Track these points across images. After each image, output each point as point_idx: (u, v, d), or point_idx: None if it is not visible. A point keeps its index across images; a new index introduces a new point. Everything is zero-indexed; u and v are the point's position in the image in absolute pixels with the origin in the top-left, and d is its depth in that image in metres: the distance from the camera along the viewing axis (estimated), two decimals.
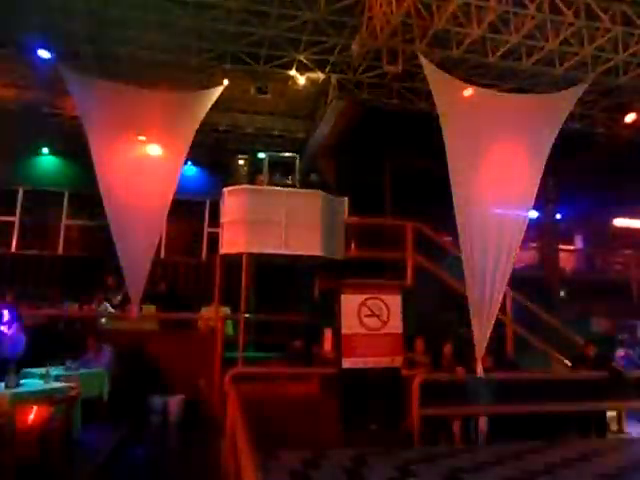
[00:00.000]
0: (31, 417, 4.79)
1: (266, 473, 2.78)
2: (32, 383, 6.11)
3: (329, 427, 6.67)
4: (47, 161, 12.69)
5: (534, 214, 13.07)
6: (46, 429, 4.85)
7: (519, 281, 8.82)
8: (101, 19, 8.30)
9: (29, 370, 6.60)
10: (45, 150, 12.50)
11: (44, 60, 8.55)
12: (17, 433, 4.22)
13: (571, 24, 7.88)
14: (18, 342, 7.54)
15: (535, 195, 7.85)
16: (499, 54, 8.36)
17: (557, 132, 7.90)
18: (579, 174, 12.49)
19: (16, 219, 12.26)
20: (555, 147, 7.91)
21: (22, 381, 5.90)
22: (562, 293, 13.03)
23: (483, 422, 7.31)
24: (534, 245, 14.09)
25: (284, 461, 5.94)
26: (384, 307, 8.36)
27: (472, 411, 7.22)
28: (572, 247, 15.89)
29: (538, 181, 7.84)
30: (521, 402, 7.19)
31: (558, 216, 14.85)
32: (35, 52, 8.46)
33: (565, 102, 8.13)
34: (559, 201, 14.35)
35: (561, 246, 14.63)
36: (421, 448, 6.68)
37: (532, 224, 11.58)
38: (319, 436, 6.48)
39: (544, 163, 7.86)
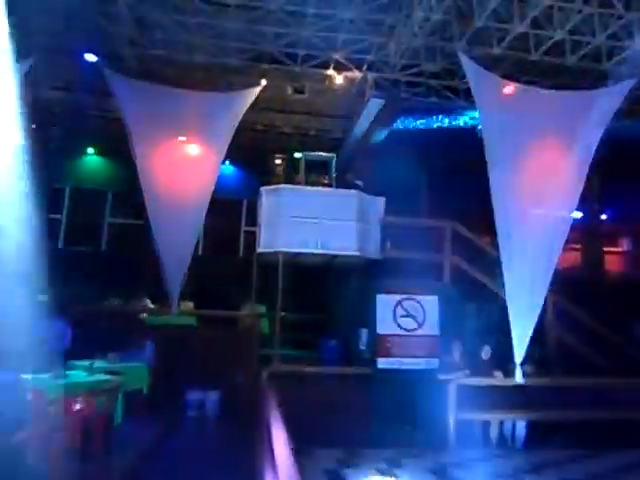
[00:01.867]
0: (76, 407, 4.97)
1: (301, 471, 2.81)
2: (77, 375, 6.35)
3: (363, 426, 6.66)
4: (92, 161, 13.15)
5: (578, 214, 12.60)
6: (90, 419, 5.04)
7: (562, 283, 8.55)
8: (143, 23, 8.53)
9: (74, 362, 6.86)
10: (90, 150, 12.95)
11: (90, 63, 8.86)
12: (62, 422, 4.39)
13: (620, 17, 7.56)
14: (65, 336, 7.84)
15: (579, 195, 7.60)
16: (542, 50, 8.11)
17: (603, 129, 7.62)
18: (627, 173, 11.99)
19: (63, 217, 12.76)
20: (602, 145, 7.62)
21: (68, 373, 6.15)
22: (607, 296, 12.55)
23: (521, 427, 7.13)
24: (578, 246, 13.61)
25: (319, 459, 5.97)
26: (420, 308, 8.27)
27: (508, 416, 7.06)
28: (618, 249, 15.27)
29: (583, 180, 7.58)
30: (562, 409, 6.98)
31: (603, 217, 14.30)
32: (81, 56, 8.77)
33: (613, 98, 7.81)
34: (605, 201, 13.82)
35: (606, 248, 14.08)
36: (456, 451, 6.59)
37: (576, 225, 11.20)
38: (353, 435, 6.48)
39: (589, 162, 7.59)
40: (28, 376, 5.48)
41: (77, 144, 12.38)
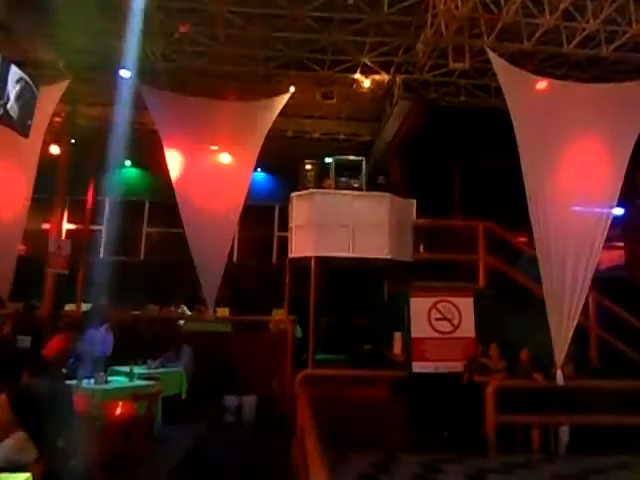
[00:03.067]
0: (118, 411, 5.13)
1: (336, 475, 2.81)
2: (118, 380, 6.55)
3: (399, 431, 6.59)
4: (129, 173, 13.57)
5: (619, 211, 12.14)
6: (131, 423, 5.19)
7: (604, 283, 8.27)
8: (174, 37, 8.77)
9: (115, 368, 7.08)
10: (127, 163, 13.37)
11: (125, 79, 9.17)
12: (105, 425, 4.54)
13: None
14: (107, 342, 8.10)
15: (619, 191, 7.34)
16: (575, 43, 7.88)
17: None
18: None
19: (103, 228, 13.20)
20: None
21: (109, 378, 6.36)
22: None
23: (564, 432, 6.91)
24: (620, 244, 13.11)
25: (354, 464, 5.94)
26: (455, 310, 8.16)
27: (551, 420, 6.85)
28: None
29: (622, 175, 7.32)
30: (605, 412, 6.72)
31: None
32: (117, 73, 9.09)
33: None
34: None
35: None
36: (496, 457, 6.43)
37: (618, 222, 10.80)
38: (388, 440, 6.42)
39: (629, 156, 7.32)
40: (73, 381, 5.71)
41: (114, 156, 12.81)
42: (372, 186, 9.21)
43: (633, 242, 13.02)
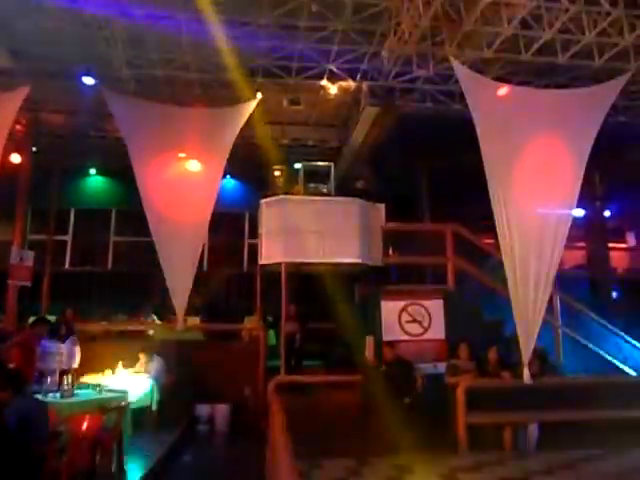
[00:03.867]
0: (84, 425, 5.01)
1: None
2: (85, 393, 6.39)
3: (373, 435, 6.63)
4: (95, 181, 13.32)
5: (580, 212, 12.58)
6: (98, 437, 5.07)
7: (567, 282, 8.54)
8: (139, 44, 8.69)
9: (82, 380, 6.91)
10: (92, 171, 13.12)
11: (88, 86, 9.03)
12: (72, 440, 4.43)
13: (608, 14, 7.61)
14: (73, 354, 7.90)
15: (579, 193, 7.60)
16: (533, 51, 8.16)
17: (599, 126, 7.64)
18: (628, 168, 11.96)
19: (69, 238, 12.90)
20: (600, 142, 7.63)
21: (76, 391, 6.20)
22: (614, 294, 12.48)
23: (533, 429, 7.07)
24: (582, 244, 13.57)
25: (328, 470, 5.94)
26: (425, 313, 8.29)
27: (519, 418, 7.01)
28: (624, 245, 15.20)
29: (581, 178, 7.58)
30: (574, 408, 6.92)
31: (607, 213, 14.25)
32: (80, 79, 8.94)
33: (606, 95, 7.84)
34: (607, 198, 13.79)
35: (611, 244, 14.02)
36: (468, 456, 6.53)
37: (579, 223, 11.18)
38: (363, 444, 6.46)
39: (586, 159, 7.60)
40: (39, 395, 5.54)
41: (80, 165, 12.57)
42: (341, 191, 9.29)
43: (594, 242, 13.49)
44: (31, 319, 7.02)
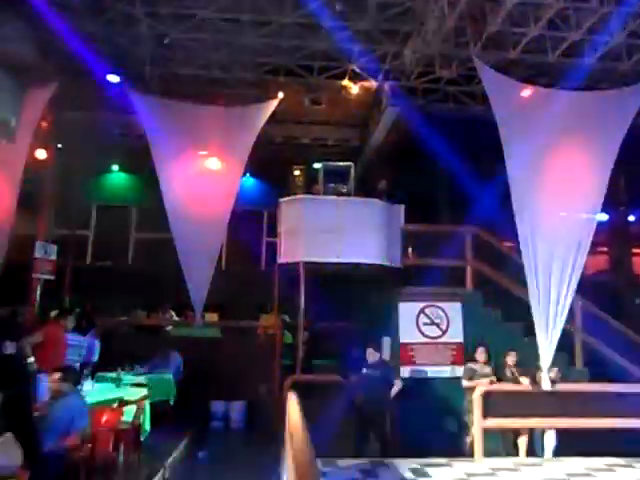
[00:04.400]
0: (104, 418, 5.09)
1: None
2: (106, 387, 6.50)
3: (387, 436, 6.60)
4: (117, 178, 13.49)
5: (604, 217, 12.33)
6: (118, 430, 5.15)
7: (589, 288, 8.37)
8: (163, 42, 8.77)
9: (102, 374, 7.02)
10: (115, 168, 13.30)
11: (113, 84, 9.15)
12: (92, 433, 4.51)
13: (639, 15, 7.44)
14: (93, 349, 8.03)
15: (603, 197, 7.46)
16: (559, 52, 8.03)
17: (626, 130, 7.49)
18: None
19: (90, 233, 13.10)
20: (626, 145, 7.48)
21: (97, 385, 6.30)
22: (637, 300, 12.21)
23: (551, 435, 6.97)
24: (605, 250, 13.30)
25: (343, 470, 5.95)
26: (443, 315, 8.23)
27: (537, 424, 6.91)
28: None
29: (606, 182, 7.45)
30: (592, 416, 6.80)
31: (632, 218, 13.95)
32: (104, 77, 9.06)
33: (634, 97, 7.68)
34: (632, 203, 13.49)
35: (635, 250, 13.72)
36: (483, 461, 6.47)
37: (602, 228, 10.96)
38: (376, 445, 6.44)
39: (612, 163, 7.46)
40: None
41: (103, 162, 12.75)
42: (361, 191, 9.26)
43: (617, 247, 13.21)
44: (53, 312, 7.13)
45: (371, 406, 6.46)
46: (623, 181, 12.83)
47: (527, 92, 7.74)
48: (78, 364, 6.62)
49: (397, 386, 6.69)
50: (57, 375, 4.24)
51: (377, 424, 6.50)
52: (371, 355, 6.88)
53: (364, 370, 6.79)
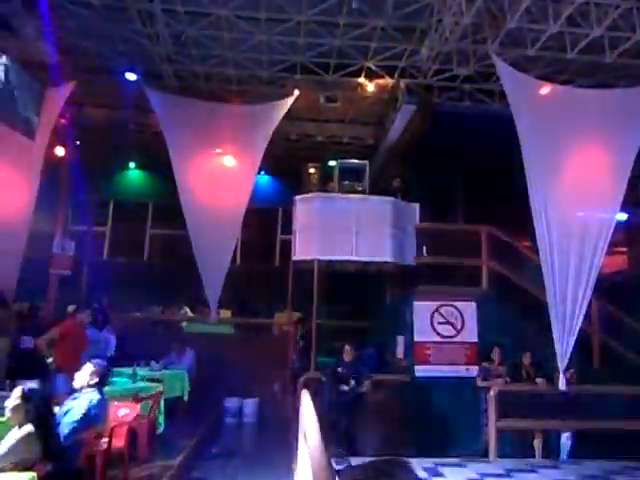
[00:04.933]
0: (121, 413, 5.15)
1: (337, 479, 2.81)
2: (121, 382, 6.58)
3: (402, 435, 6.59)
4: (133, 175, 13.63)
5: (623, 216, 12.13)
6: (134, 424, 5.21)
7: (607, 288, 8.25)
8: (180, 40, 8.83)
9: (118, 369, 7.11)
10: (132, 164, 13.43)
11: (130, 82, 9.23)
12: (109, 427, 4.56)
13: None
14: (109, 343, 8.14)
15: (623, 196, 7.35)
16: (579, 49, 7.89)
17: None
18: None
19: (107, 229, 13.26)
20: None
21: (113, 379, 6.38)
22: None
23: (566, 437, 6.90)
24: (624, 249, 13.08)
25: (355, 467, 5.94)
26: (458, 314, 8.18)
27: (552, 425, 6.84)
28: None
29: (626, 181, 7.33)
30: (609, 418, 6.71)
31: None
32: (122, 75, 9.15)
33: None
34: None
35: None
36: (498, 461, 6.43)
37: (621, 227, 10.78)
38: (391, 444, 6.43)
39: (632, 161, 7.34)
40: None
41: (120, 159, 12.89)
42: (376, 189, 9.24)
43: (636, 247, 12.99)
44: (71, 307, 7.24)
45: (337, 405, 6.56)
46: None
47: (546, 89, 7.63)
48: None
49: (362, 388, 6.77)
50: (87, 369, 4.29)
51: (341, 422, 6.52)
52: (347, 354, 6.99)
53: (339, 369, 6.88)
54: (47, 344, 6.33)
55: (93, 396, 4.12)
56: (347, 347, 7.03)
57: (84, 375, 4.25)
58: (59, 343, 6.36)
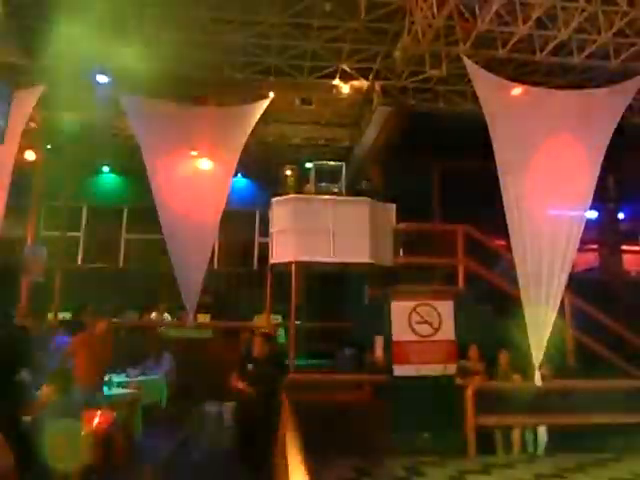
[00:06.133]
0: (96, 421, 5.06)
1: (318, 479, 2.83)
2: None
3: (381, 435, 6.62)
4: (107, 179, 13.41)
5: (593, 214, 12.43)
6: (110, 432, 5.12)
7: (579, 285, 8.44)
8: (152, 41, 8.73)
9: None
10: (105, 169, 13.21)
11: (102, 84, 9.09)
12: (84, 435, 4.48)
13: (626, 13, 7.51)
14: None
15: (592, 194, 7.54)
16: (548, 51, 8.08)
17: (614, 127, 7.57)
18: None
19: (81, 234, 13.01)
20: (615, 143, 7.56)
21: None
22: (624, 296, 12.32)
23: (543, 432, 7.03)
24: (594, 247, 13.41)
25: (336, 468, 5.95)
26: (435, 313, 8.25)
27: (529, 421, 6.97)
28: (638, 248, 15.00)
29: (595, 179, 7.53)
30: (584, 412, 6.87)
31: (621, 215, 14.07)
32: (94, 77, 9.00)
33: (622, 95, 7.77)
34: (621, 200, 13.62)
35: (625, 247, 13.84)
36: (477, 458, 6.51)
37: (591, 225, 11.04)
38: (370, 443, 6.46)
39: (601, 160, 7.54)
40: None
41: (92, 162, 12.66)
42: (352, 191, 9.27)
43: (606, 244, 13.33)
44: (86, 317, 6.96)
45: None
46: (612, 179, 12.96)
47: (516, 91, 7.79)
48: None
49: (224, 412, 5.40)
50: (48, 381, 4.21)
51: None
52: (258, 346, 5.61)
53: (249, 366, 5.72)
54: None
55: (63, 405, 4.05)
56: (259, 339, 5.65)
57: (47, 386, 4.16)
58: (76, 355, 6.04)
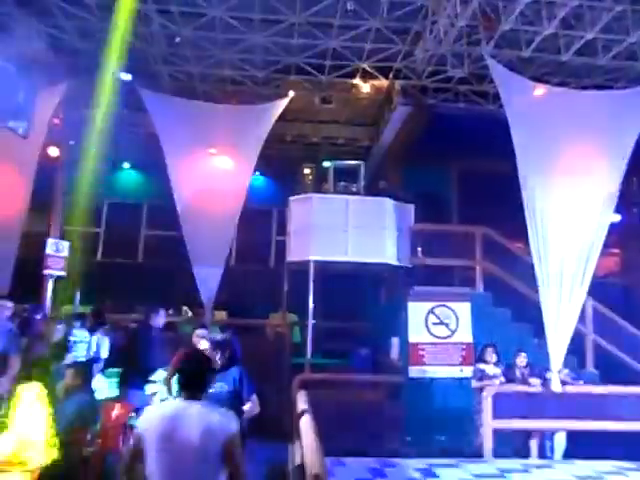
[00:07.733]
0: (114, 414, 5.12)
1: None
2: (115, 383, 6.52)
3: (396, 436, 6.60)
4: (128, 175, 13.57)
5: (617, 218, 12.19)
6: (127, 425, 5.17)
7: (600, 290, 8.30)
8: (175, 40, 8.81)
9: (112, 370, 7.05)
10: (126, 165, 13.37)
11: (125, 82, 9.20)
12: (102, 428, 4.54)
13: None
14: (101, 346, 8.05)
15: (616, 197, 7.39)
16: (573, 51, 7.95)
17: None
18: None
19: (101, 230, 13.18)
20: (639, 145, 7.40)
21: (106, 381, 6.33)
22: None
23: (561, 437, 6.92)
24: (617, 251, 13.16)
25: (351, 469, 5.94)
26: (453, 315, 8.18)
27: (547, 425, 6.86)
28: None
29: (619, 182, 7.37)
30: (603, 418, 6.74)
31: None
32: (117, 75, 9.11)
33: None
34: None
35: None
36: (493, 462, 6.44)
37: (614, 228, 10.83)
38: (385, 445, 6.43)
39: (626, 163, 7.38)
40: None
41: (113, 159, 12.82)
42: (370, 190, 9.25)
43: (629, 249, 13.07)
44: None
45: None
46: (636, 182, 12.70)
47: (540, 91, 7.67)
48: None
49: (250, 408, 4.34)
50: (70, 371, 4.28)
51: None
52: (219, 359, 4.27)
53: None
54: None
55: (82, 398, 4.11)
56: (199, 332, 4.43)
57: (69, 377, 4.22)
58: None
